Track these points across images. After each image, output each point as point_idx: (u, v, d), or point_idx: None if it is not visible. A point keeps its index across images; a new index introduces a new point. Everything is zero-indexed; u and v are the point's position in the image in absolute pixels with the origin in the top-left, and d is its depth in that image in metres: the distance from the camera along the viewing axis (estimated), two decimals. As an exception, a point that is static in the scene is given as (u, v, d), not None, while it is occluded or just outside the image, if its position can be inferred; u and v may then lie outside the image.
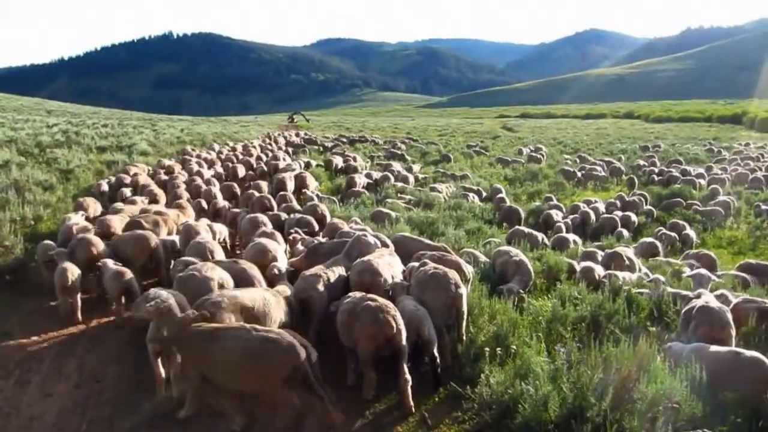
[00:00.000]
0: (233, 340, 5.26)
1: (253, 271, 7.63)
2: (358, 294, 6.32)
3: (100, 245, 9.12)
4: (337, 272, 7.44)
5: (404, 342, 5.81)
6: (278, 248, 8.82)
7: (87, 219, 11.58)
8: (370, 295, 6.19)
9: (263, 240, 8.91)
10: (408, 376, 5.80)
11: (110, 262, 8.44)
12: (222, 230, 11.31)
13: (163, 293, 5.88)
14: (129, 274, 8.31)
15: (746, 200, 19.10)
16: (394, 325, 5.75)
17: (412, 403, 5.81)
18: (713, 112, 75.52)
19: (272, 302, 6.44)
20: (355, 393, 6.08)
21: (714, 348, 5.70)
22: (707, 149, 36.54)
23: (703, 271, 8.10)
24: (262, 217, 11.16)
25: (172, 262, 9.10)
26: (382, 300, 6.09)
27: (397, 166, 23.36)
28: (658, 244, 13.01)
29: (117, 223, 10.61)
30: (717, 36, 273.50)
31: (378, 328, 5.72)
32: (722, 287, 8.17)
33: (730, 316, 6.42)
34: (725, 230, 15.95)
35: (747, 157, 30.37)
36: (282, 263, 8.34)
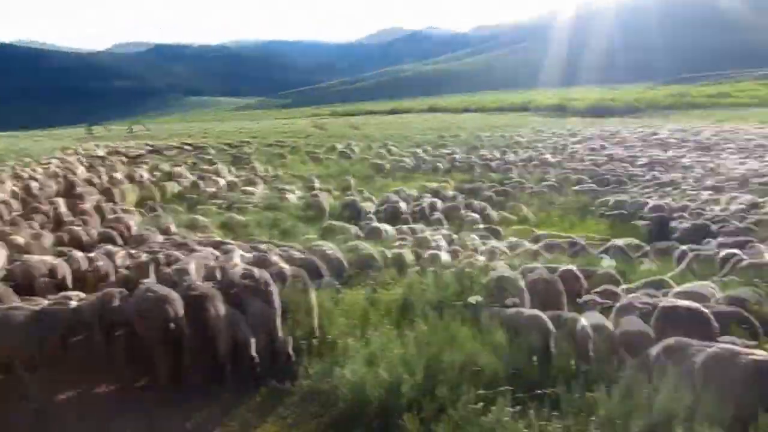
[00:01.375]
0: None
1: None
2: (143, 287, 6.45)
3: None
4: None
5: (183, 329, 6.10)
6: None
7: None
8: (154, 286, 6.41)
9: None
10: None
11: None
12: None
13: None
14: None
15: (537, 180, 21.30)
16: (172, 311, 6.04)
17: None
18: (502, 102, 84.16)
19: None
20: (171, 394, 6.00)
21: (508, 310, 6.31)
22: (500, 135, 39.90)
23: (494, 242, 8.87)
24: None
25: None
26: (162, 290, 6.27)
27: (222, 170, 23.17)
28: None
29: None
30: (506, 32, 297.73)
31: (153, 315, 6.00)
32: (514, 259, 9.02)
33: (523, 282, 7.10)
34: (521, 210, 17.44)
35: (535, 141, 33.99)
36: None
